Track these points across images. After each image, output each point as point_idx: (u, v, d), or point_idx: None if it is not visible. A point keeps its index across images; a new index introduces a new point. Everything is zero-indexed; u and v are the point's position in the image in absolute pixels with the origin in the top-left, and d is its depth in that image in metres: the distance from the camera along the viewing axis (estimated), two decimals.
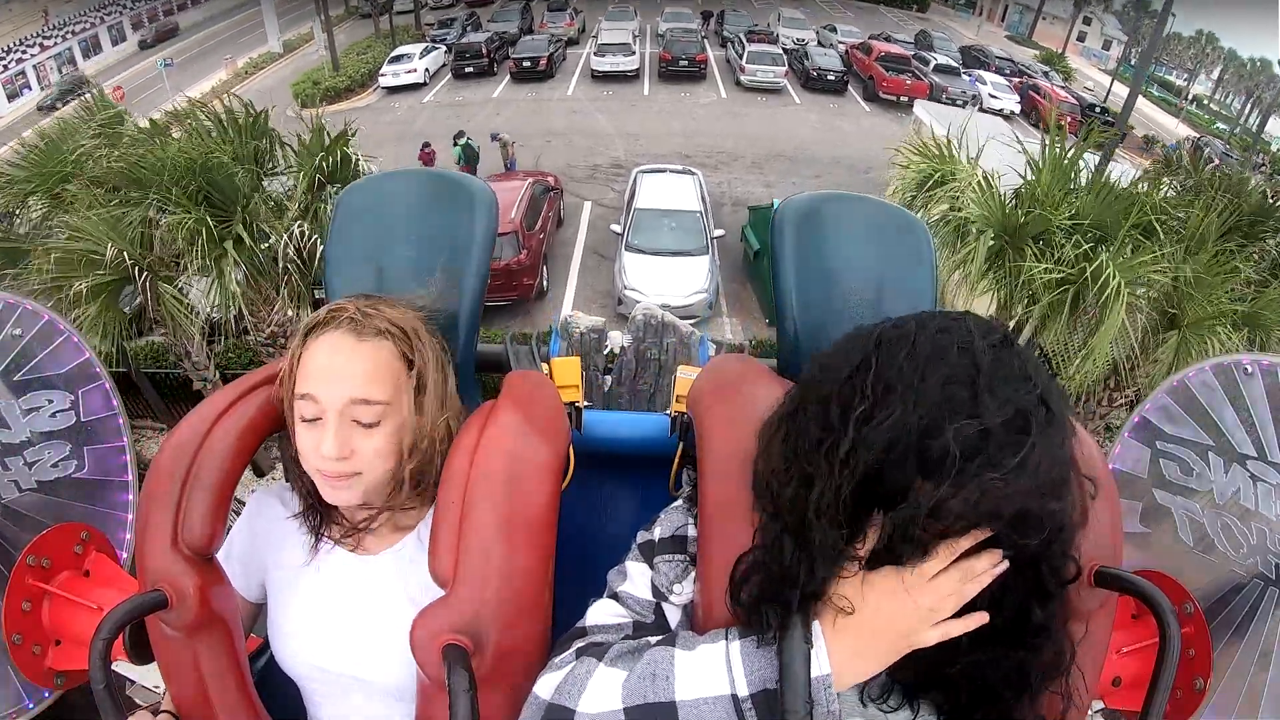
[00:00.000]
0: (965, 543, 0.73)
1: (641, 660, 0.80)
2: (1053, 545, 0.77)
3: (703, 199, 12.43)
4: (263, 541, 1.18)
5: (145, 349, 9.60)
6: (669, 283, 10.78)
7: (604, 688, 0.80)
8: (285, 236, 6.17)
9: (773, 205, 11.59)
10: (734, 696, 0.76)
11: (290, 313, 6.97)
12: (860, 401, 0.74)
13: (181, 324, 6.29)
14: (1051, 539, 0.75)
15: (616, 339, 4.38)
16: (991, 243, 5.84)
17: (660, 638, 0.86)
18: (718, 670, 0.78)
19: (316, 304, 9.70)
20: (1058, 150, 5.91)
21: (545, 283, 11.78)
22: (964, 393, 0.69)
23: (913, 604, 0.75)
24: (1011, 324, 6.72)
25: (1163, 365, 5.72)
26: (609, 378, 4.42)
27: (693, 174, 13.22)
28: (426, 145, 15.12)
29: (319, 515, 1.14)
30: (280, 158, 6.56)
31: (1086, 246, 5.61)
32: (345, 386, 0.99)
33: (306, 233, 6.29)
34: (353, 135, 6.80)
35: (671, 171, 13.41)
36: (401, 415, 1.03)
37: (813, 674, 0.74)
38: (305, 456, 1.02)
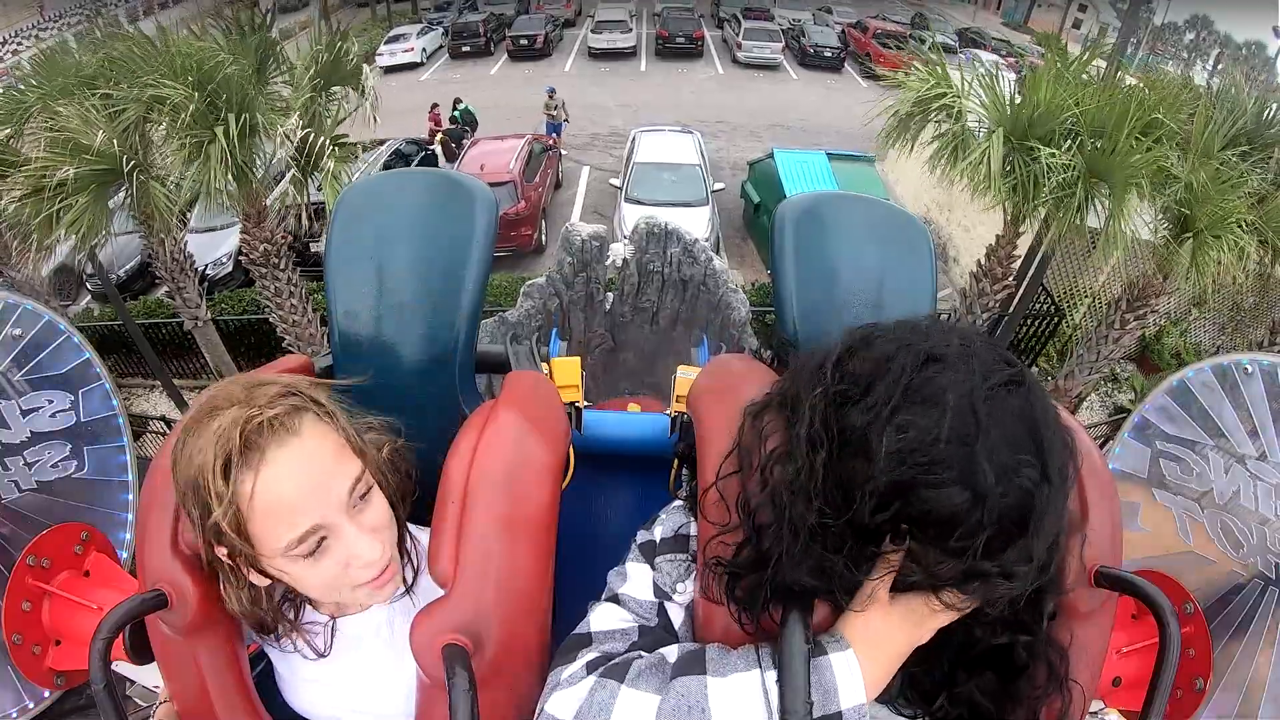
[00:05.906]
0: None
1: (673, 690, 0.78)
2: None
3: (701, 154, 12.68)
4: None
5: (142, 306, 9.63)
6: None
7: (634, 716, 0.78)
8: (282, 131, 6.02)
9: (771, 154, 11.89)
10: None
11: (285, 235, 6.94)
12: (853, 434, 0.73)
13: (165, 220, 6.11)
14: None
15: (619, 250, 4.33)
16: (1001, 148, 5.76)
17: (683, 651, 0.84)
18: (755, 703, 0.75)
19: (310, 239, 9.57)
20: (1057, 65, 5.95)
21: (544, 238, 12.33)
22: (960, 450, 0.68)
23: (919, 632, 0.80)
24: (1023, 244, 6.83)
25: (1180, 272, 5.80)
26: (611, 295, 4.41)
27: (691, 133, 13.42)
28: (435, 106, 15.50)
29: (297, 611, 1.05)
30: (280, 65, 6.49)
31: (1094, 143, 5.62)
32: (332, 487, 0.87)
33: (301, 128, 6.13)
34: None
35: (670, 130, 13.64)
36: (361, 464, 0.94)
37: (845, 704, 0.75)
38: (331, 584, 0.92)
